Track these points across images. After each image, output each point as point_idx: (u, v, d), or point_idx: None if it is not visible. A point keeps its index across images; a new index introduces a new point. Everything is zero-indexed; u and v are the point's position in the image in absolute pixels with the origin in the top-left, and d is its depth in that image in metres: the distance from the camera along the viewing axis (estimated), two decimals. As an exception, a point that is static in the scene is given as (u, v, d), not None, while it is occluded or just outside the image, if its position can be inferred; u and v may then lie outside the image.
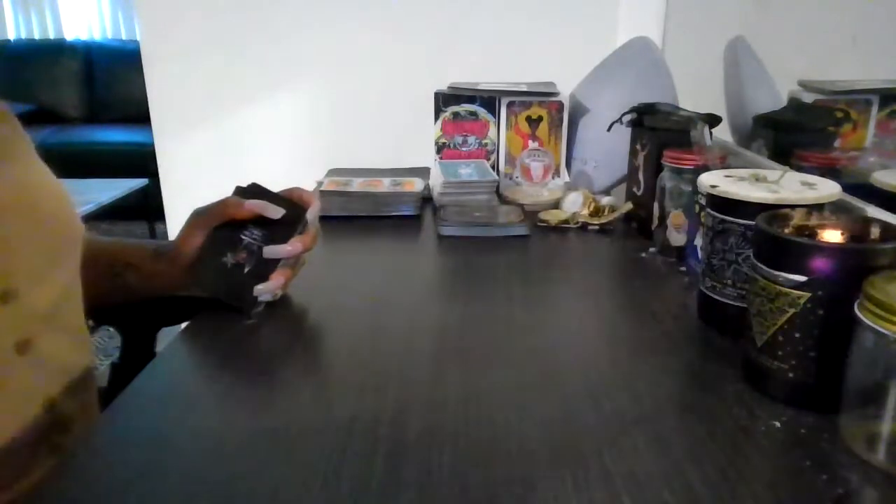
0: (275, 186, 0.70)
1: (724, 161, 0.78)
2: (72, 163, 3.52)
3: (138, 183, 3.09)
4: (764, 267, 0.49)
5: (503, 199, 1.07)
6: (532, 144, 1.12)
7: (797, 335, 0.48)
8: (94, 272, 0.66)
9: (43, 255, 0.57)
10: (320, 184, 1.09)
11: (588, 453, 0.44)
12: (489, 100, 1.12)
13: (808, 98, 0.93)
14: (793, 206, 0.55)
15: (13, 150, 0.60)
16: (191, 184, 1.57)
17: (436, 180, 1.08)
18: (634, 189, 0.94)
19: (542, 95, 1.11)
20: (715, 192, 0.60)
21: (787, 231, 0.52)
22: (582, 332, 0.64)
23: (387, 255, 0.88)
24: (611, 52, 1.17)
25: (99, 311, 0.72)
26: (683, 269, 0.78)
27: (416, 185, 1.08)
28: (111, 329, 0.92)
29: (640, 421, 0.48)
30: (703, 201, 0.65)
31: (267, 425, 0.48)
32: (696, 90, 1.16)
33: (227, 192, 0.69)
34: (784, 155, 0.91)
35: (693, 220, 0.75)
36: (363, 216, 1.00)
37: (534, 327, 0.65)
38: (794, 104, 0.96)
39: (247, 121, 1.53)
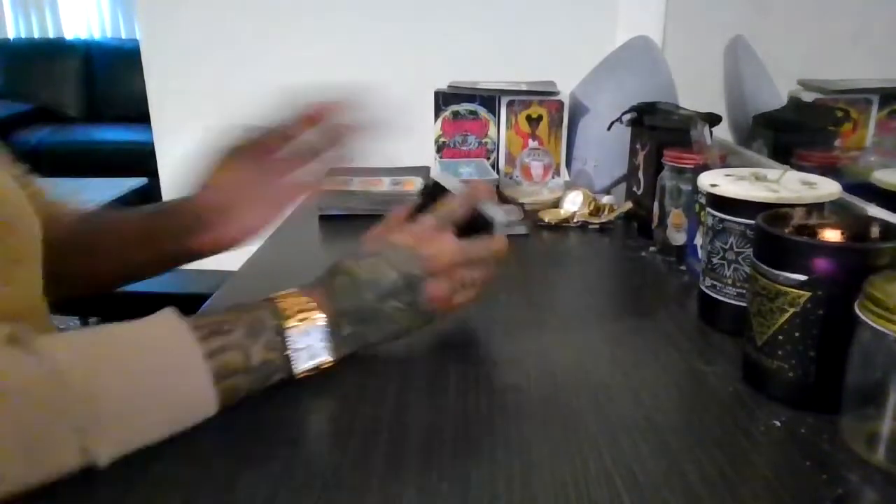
0: None
1: (724, 160, 0.78)
2: (71, 162, 3.53)
3: (138, 182, 3.09)
4: (764, 266, 0.49)
5: (503, 199, 1.07)
6: (532, 144, 1.12)
7: (797, 335, 0.48)
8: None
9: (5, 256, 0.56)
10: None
11: (588, 453, 0.44)
12: (489, 99, 1.12)
13: (809, 97, 0.92)
14: (793, 206, 0.55)
15: None
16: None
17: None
18: (634, 188, 0.94)
19: (542, 95, 1.11)
20: (715, 192, 0.60)
21: (787, 230, 0.52)
22: (582, 332, 0.64)
23: (386, 254, 0.88)
24: (611, 52, 1.17)
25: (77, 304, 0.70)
26: (683, 268, 0.78)
27: (416, 184, 1.08)
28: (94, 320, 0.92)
29: (640, 421, 0.48)
30: (703, 200, 0.65)
31: (266, 425, 0.48)
32: (696, 90, 1.16)
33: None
34: (784, 154, 0.91)
35: (693, 220, 0.75)
36: (363, 215, 1.00)
37: (533, 327, 0.65)
38: (795, 103, 0.96)
39: (247, 120, 1.53)
